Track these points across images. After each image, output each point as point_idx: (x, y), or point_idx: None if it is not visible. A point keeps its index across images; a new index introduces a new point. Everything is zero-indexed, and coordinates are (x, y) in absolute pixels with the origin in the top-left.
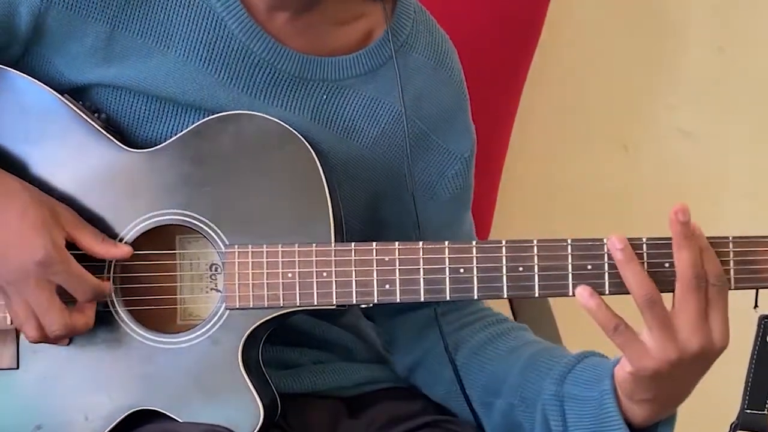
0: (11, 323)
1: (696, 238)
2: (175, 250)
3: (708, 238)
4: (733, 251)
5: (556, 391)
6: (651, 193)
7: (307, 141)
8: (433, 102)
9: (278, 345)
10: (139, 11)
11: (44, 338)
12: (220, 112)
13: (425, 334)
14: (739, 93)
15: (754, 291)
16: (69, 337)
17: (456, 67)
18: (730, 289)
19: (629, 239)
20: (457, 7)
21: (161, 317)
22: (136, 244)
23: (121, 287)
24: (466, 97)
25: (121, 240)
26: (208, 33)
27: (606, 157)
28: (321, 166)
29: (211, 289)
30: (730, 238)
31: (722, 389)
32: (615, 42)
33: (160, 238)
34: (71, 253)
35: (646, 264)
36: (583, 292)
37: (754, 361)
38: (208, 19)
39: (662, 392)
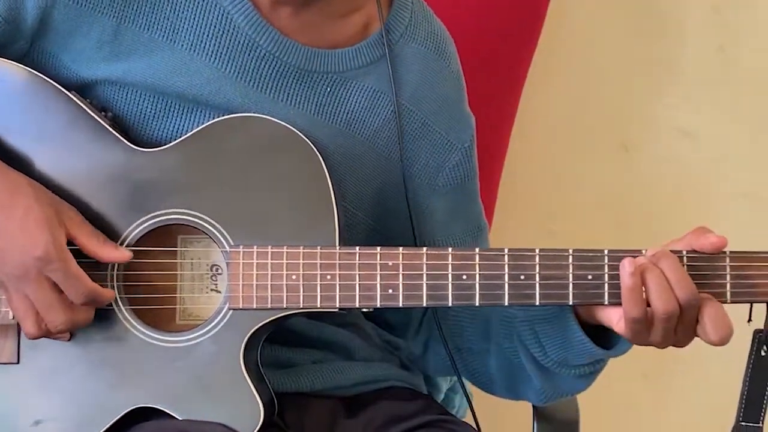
0: (13, 318)
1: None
2: (176, 250)
3: (705, 254)
4: (730, 266)
5: (525, 316)
6: (651, 193)
7: (310, 138)
8: (433, 92)
9: (276, 344)
10: (146, 5)
11: (43, 334)
12: (227, 106)
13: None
14: (739, 93)
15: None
16: (70, 332)
17: (454, 57)
18: (727, 302)
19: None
20: (458, 8)
21: (161, 316)
22: (140, 242)
23: (124, 285)
24: (463, 87)
25: (125, 240)
26: (215, 27)
27: (606, 157)
28: (327, 169)
29: (211, 290)
30: (727, 253)
31: (718, 402)
32: (615, 42)
33: (163, 238)
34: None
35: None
36: (628, 266)
37: (748, 375)
38: (214, 12)
39: None
